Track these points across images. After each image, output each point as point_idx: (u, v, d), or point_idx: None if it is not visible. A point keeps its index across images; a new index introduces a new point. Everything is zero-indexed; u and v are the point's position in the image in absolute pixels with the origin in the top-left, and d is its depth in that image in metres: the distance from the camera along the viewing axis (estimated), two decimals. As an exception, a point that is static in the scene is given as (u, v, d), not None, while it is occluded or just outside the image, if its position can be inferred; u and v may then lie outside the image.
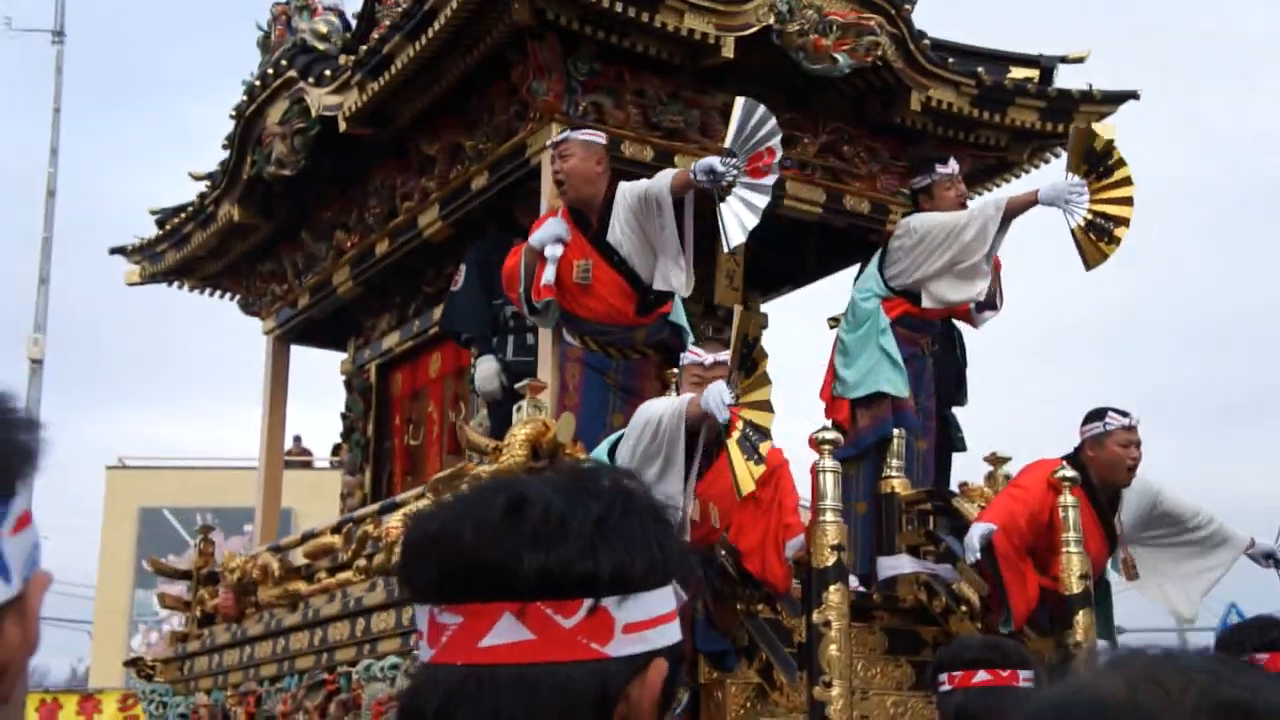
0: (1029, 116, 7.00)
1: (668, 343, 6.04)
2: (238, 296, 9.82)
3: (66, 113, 17.50)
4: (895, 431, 6.44)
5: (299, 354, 9.51)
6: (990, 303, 6.79)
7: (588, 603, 0.99)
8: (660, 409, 5.04)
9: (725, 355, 5.10)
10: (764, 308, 8.11)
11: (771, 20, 6.22)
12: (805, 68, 6.37)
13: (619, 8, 5.86)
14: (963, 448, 7.45)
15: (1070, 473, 5.57)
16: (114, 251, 9.88)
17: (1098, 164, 6.24)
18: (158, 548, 18.77)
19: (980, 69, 6.85)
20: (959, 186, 6.69)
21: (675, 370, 5.95)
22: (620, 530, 1.02)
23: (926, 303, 6.55)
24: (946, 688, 2.84)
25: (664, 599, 1.04)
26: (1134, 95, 7.25)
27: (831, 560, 4.92)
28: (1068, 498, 5.49)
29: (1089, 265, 6.36)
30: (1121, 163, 6.21)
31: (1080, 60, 7.32)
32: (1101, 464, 5.76)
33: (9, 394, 0.85)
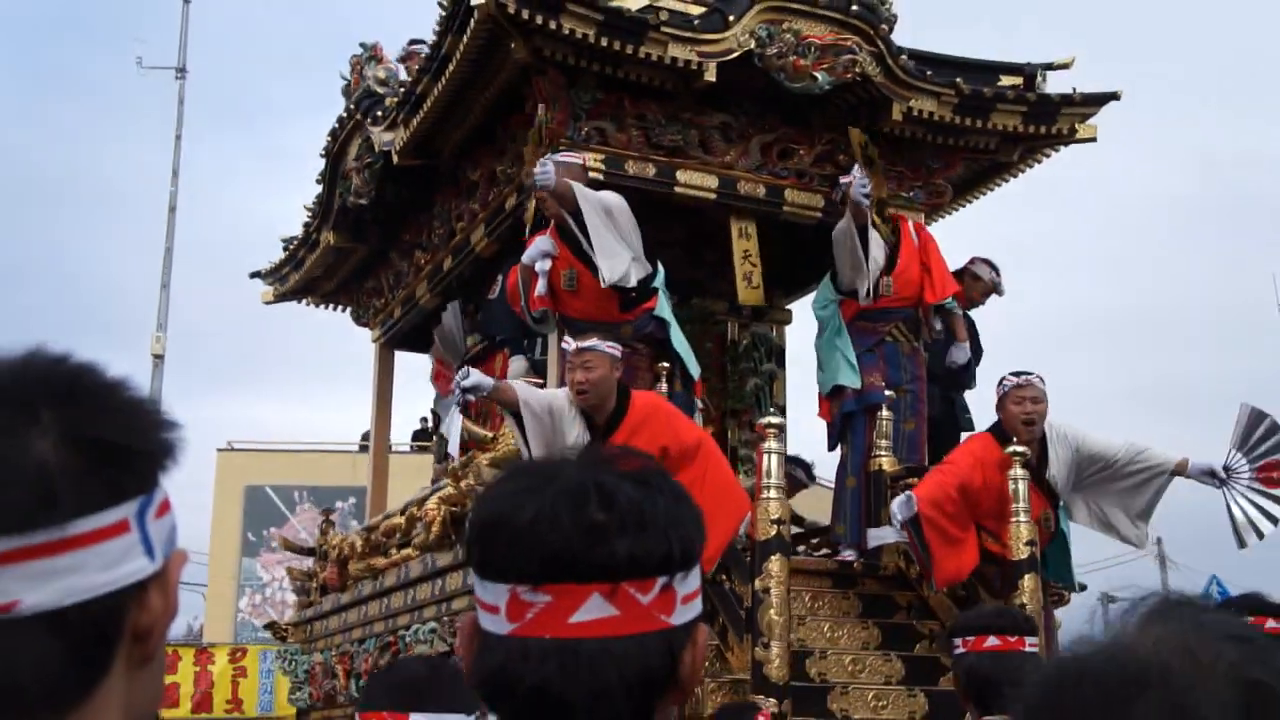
0: (1012, 120, 7.36)
1: (655, 335, 6.60)
2: (350, 310, 10.78)
3: (185, 138, 19.26)
4: (884, 415, 6.87)
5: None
6: None
7: (662, 580, 1.09)
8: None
9: (590, 342, 5.64)
10: (788, 307, 8.66)
11: (752, 45, 6.76)
12: (787, 86, 6.88)
13: (605, 42, 6.49)
14: (970, 428, 7.84)
15: (1021, 449, 5.93)
16: (252, 276, 10.98)
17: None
18: (260, 521, 21.00)
19: (959, 79, 7.24)
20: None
21: (666, 364, 6.56)
22: (677, 515, 1.13)
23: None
24: (960, 650, 2.99)
25: (699, 572, 1.16)
26: (1114, 96, 7.54)
27: (772, 533, 5.33)
28: (1017, 471, 5.83)
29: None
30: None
31: (1066, 66, 7.62)
32: (1007, 424, 6.13)
33: (154, 399, 0.93)
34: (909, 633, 6.38)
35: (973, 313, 7.93)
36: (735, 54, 6.75)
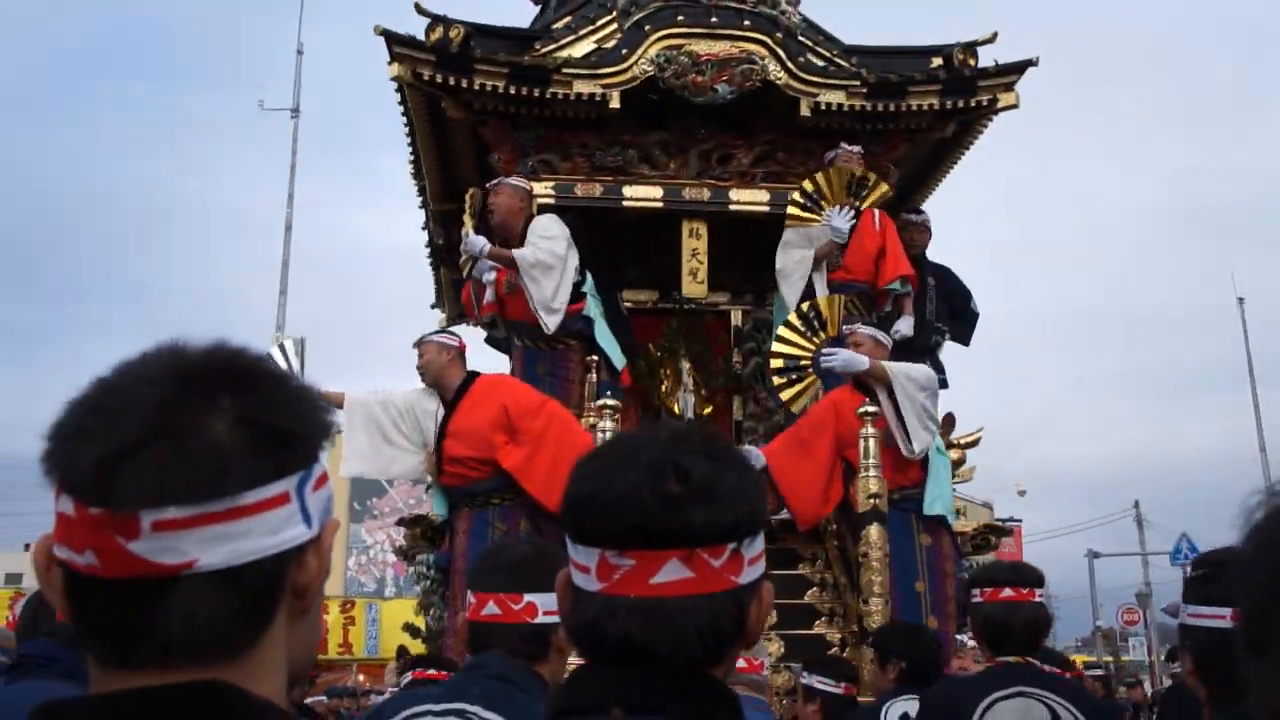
0: (929, 100, 7.51)
1: (584, 332, 7.31)
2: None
3: (297, 167, 21.89)
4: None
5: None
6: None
7: (731, 546, 1.20)
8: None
9: (423, 335, 6.65)
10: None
11: (653, 71, 7.35)
12: (692, 101, 7.42)
13: (514, 90, 7.30)
14: (944, 385, 8.07)
15: (872, 408, 6.24)
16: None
17: (858, 190, 7.38)
18: (364, 492, 24.76)
19: (864, 69, 7.52)
20: (854, 162, 7.46)
21: (594, 357, 7.26)
22: (744, 486, 1.23)
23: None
24: (978, 599, 3.27)
25: (763, 537, 1.26)
26: (1030, 63, 7.52)
27: (869, 506, 5.95)
28: (869, 429, 6.15)
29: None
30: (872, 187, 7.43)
31: (989, 41, 7.65)
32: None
33: (315, 386, 1.06)
34: (802, 582, 6.78)
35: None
36: (638, 81, 7.37)
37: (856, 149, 7.48)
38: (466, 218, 7.96)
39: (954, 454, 7.30)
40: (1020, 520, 39.17)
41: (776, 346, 6.93)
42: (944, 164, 8.37)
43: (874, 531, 5.97)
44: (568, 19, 8.00)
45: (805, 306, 6.89)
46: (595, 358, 7.26)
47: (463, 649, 6.08)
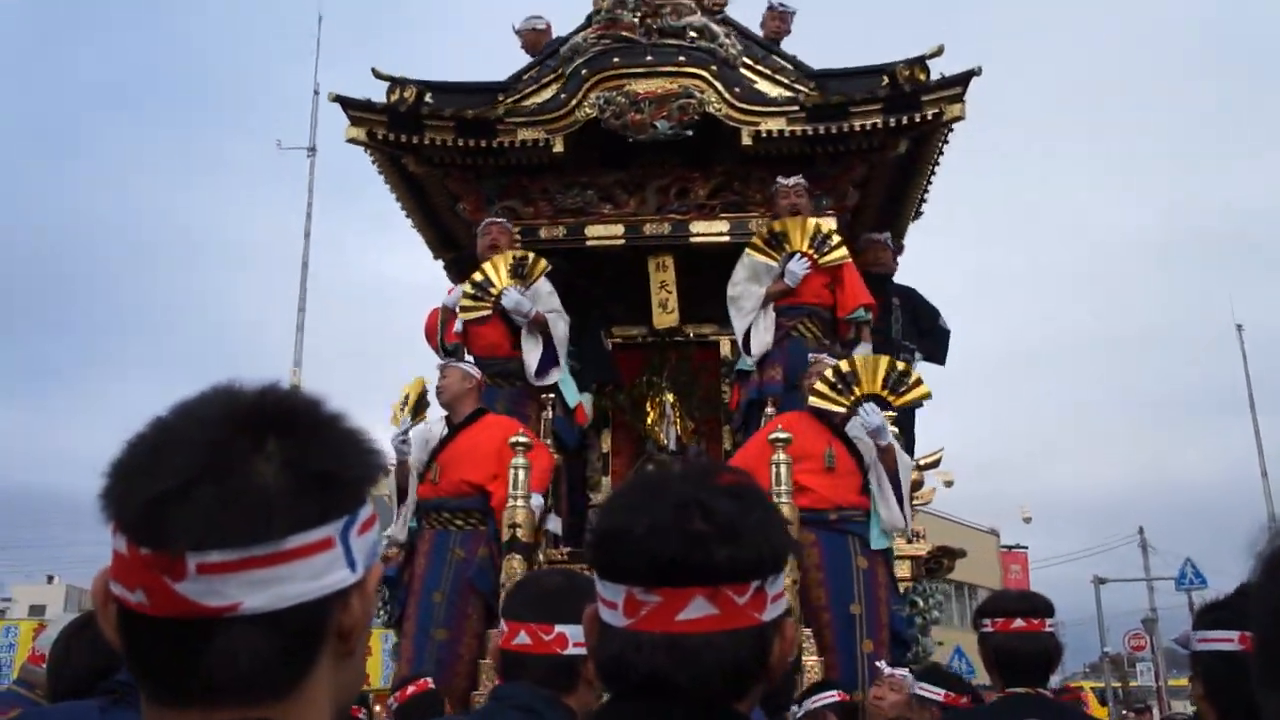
0: (874, 119, 7.32)
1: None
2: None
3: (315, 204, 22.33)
4: (768, 410, 7.14)
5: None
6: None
7: (755, 583, 1.23)
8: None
9: (449, 361, 6.92)
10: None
11: (594, 113, 7.43)
12: (632, 139, 7.46)
13: (461, 143, 7.50)
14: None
15: (783, 435, 6.17)
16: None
17: (821, 246, 7.19)
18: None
19: (801, 94, 7.42)
20: (794, 198, 7.33)
21: (550, 395, 7.35)
22: (767, 525, 1.26)
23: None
24: (989, 629, 3.21)
25: (784, 575, 1.29)
26: (973, 73, 7.25)
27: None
28: (780, 455, 6.09)
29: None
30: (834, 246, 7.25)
31: (935, 55, 7.42)
32: (804, 389, 6.62)
33: (365, 428, 1.05)
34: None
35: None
36: (579, 125, 7.47)
37: (792, 181, 7.36)
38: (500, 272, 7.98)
39: (914, 475, 7.10)
40: (1026, 546, 39.23)
41: (812, 400, 6.64)
42: (913, 181, 8.13)
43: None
44: (534, 70, 8.16)
45: (844, 366, 6.64)
46: (551, 395, 7.35)
47: (435, 672, 6.34)
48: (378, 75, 7.71)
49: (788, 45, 9.19)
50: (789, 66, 7.94)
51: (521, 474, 6.16)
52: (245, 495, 0.93)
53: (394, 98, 7.66)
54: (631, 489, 1.33)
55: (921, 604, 6.80)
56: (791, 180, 7.34)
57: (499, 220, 7.68)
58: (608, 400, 8.31)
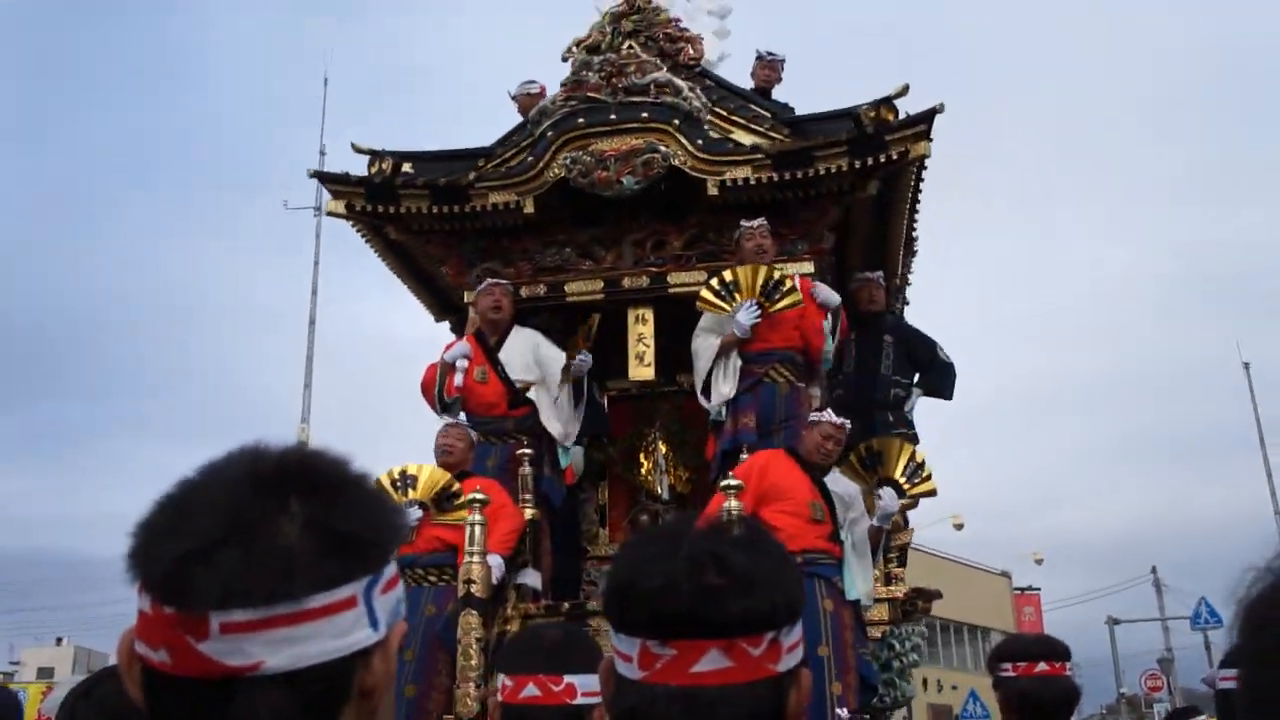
0: (839, 162, 7.23)
1: (534, 429, 7.42)
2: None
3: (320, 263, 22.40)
4: (743, 456, 7.07)
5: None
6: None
7: (770, 635, 1.21)
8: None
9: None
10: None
11: (562, 173, 7.47)
12: (602, 195, 7.48)
13: (435, 209, 7.60)
14: (915, 440, 7.87)
15: (734, 482, 6.12)
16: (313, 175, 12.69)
17: (771, 293, 7.08)
18: None
19: (769, 142, 7.37)
20: (760, 239, 7.24)
21: (528, 450, 7.34)
22: (781, 576, 1.25)
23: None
24: (1011, 674, 3.11)
25: (800, 625, 1.28)
26: (936, 111, 7.12)
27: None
28: (732, 503, 6.03)
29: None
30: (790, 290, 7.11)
31: (900, 95, 7.32)
32: (808, 446, 6.46)
33: (387, 492, 1.74)
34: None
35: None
36: (548, 185, 7.51)
37: (756, 223, 7.28)
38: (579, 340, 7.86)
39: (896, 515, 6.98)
40: (1039, 588, 38.32)
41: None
42: (893, 220, 7.98)
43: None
44: (518, 134, 8.22)
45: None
46: (530, 452, 7.33)
47: None
48: (356, 149, 7.86)
49: (781, 93, 9.22)
50: (766, 114, 7.89)
51: (478, 530, 6.16)
52: (268, 555, 0.94)
53: (374, 169, 7.80)
54: (645, 541, 1.32)
55: (898, 647, 6.63)
56: (756, 222, 7.26)
57: (500, 281, 7.70)
58: (600, 453, 8.29)
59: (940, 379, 8.31)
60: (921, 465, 7.07)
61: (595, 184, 7.44)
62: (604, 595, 1.30)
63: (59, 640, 39.74)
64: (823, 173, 7.30)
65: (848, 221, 7.95)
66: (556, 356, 7.57)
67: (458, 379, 7.52)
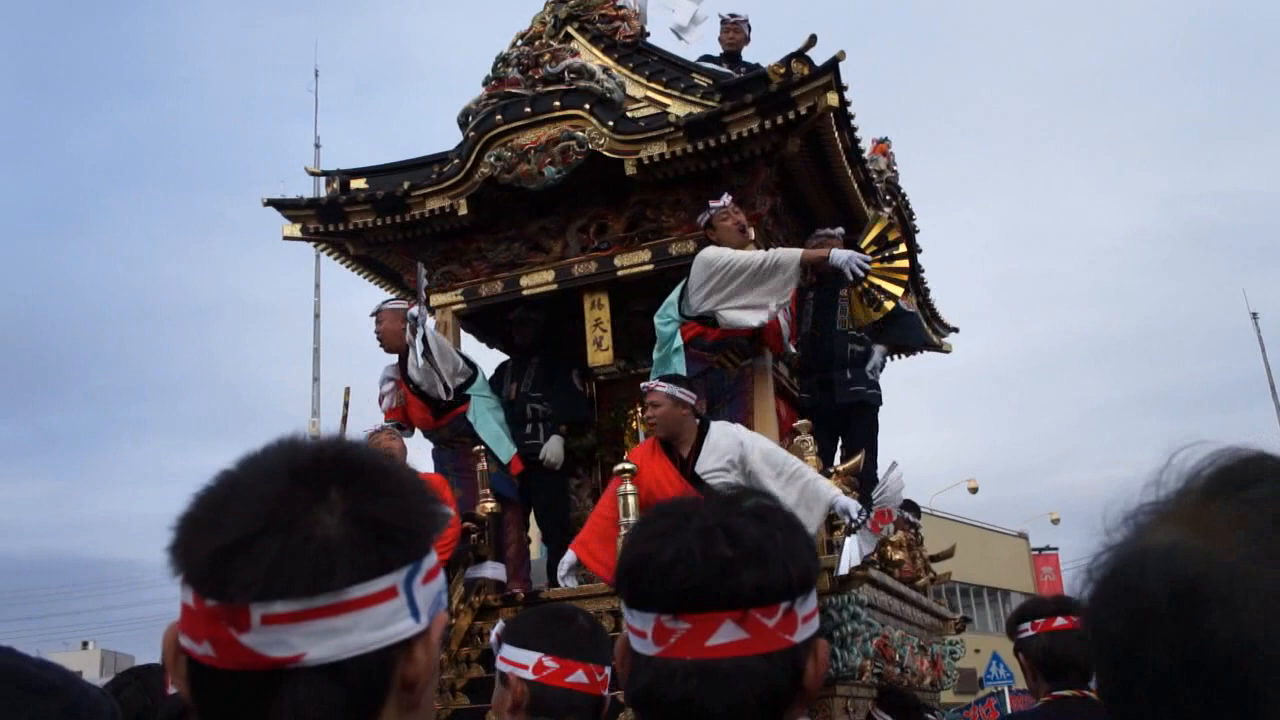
0: (750, 124, 6.90)
1: (470, 431, 7.43)
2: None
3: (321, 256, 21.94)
4: None
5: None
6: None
7: (784, 605, 1.18)
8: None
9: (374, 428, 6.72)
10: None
11: (490, 171, 7.42)
12: (529, 189, 7.39)
13: (372, 222, 7.69)
14: (879, 402, 7.61)
15: (628, 465, 6.03)
16: (268, 203, 12.56)
17: (886, 248, 6.85)
18: None
19: (674, 116, 7.10)
20: (735, 216, 6.98)
21: (481, 447, 7.35)
22: (794, 546, 1.22)
23: (722, 325, 6.93)
24: (1030, 633, 3.11)
25: (815, 594, 1.25)
26: (837, 59, 6.66)
27: None
28: (627, 486, 5.96)
29: (855, 321, 7.29)
30: (903, 255, 6.88)
31: (808, 48, 6.88)
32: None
33: (426, 481, 1.05)
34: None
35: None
36: (478, 185, 7.47)
37: (723, 202, 6.99)
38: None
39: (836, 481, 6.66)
40: (1057, 548, 37.14)
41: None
42: (837, 174, 7.53)
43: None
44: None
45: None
46: (480, 448, 7.36)
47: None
48: (310, 172, 8.04)
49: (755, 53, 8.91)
50: (704, 84, 7.61)
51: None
52: (308, 546, 0.93)
53: (330, 189, 7.96)
54: (656, 517, 1.29)
55: (836, 616, 6.31)
56: (722, 200, 6.98)
57: (385, 307, 7.54)
58: (582, 439, 8.23)
59: (906, 330, 7.86)
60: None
61: (519, 178, 7.36)
62: (616, 572, 1.27)
63: (85, 644, 40.38)
64: (735, 138, 6.99)
65: (790, 180, 7.61)
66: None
67: (385, 402, 7.59)
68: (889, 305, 6.95)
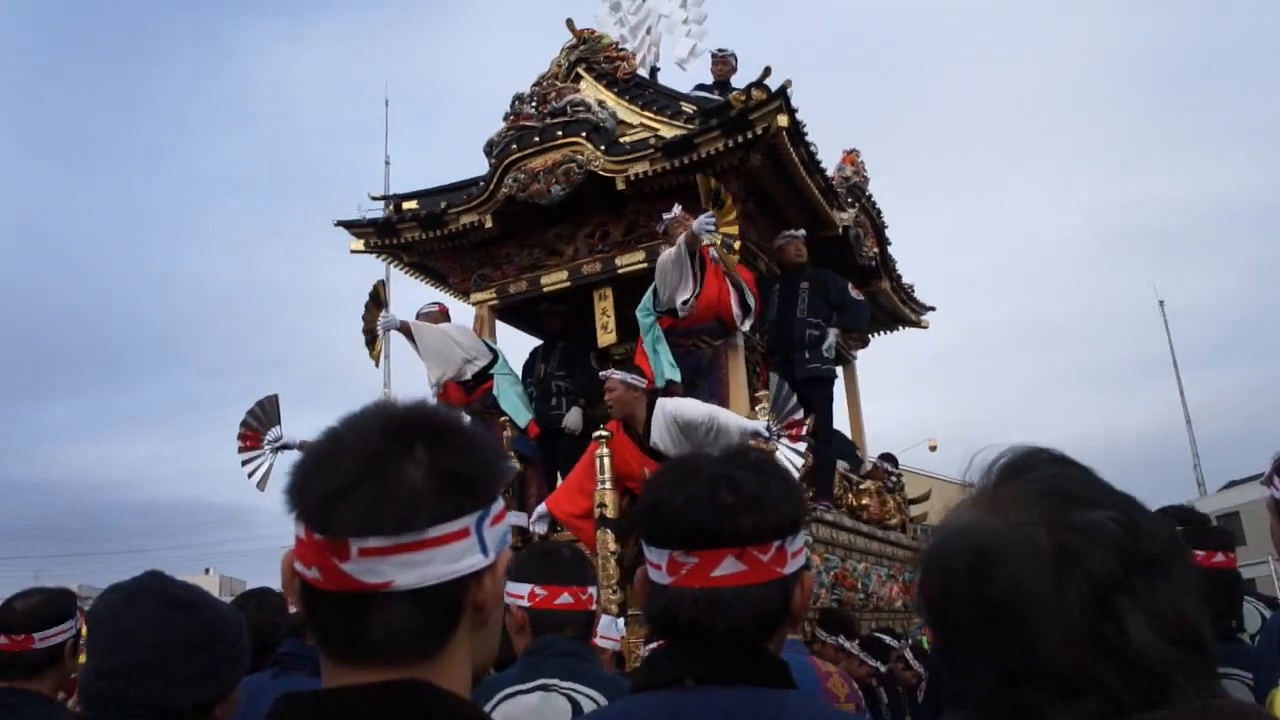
0: (716, 143, 8.25)
1: (496, 404, 8.93)
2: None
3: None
4: None
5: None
6: (746, 310, 8.33)
7: (776, 543, 1.39)
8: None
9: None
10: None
11: (509, 191, 8.93)
12: (541, 204, 8.88)
13: (419, 236, 9.27)
14: (833, 376, 8.89)
15: (604, 433, 7.43)
16: (339, 224, 14.05)
17: (719, 203, 7.98)
18: None
19: (652, 138, 8.52)
20: (684, 224, 8.17)
21: (505, 417, 8.85)
22: (785, 494, 1.44)
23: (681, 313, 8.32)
24: None
25: (802, 534, 1.46)
26: (785, 86, 7.93)
27: None
28: (603, 449, 7.35)
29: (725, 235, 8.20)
30: (729, 202, 7.99)
31: (764, 78, 8.15)
32: None
33: (494, 440, 1.25)
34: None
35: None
36: (500, 203, 8.99)
37: (674, 213, 8.24)
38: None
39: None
40: None
41: None
42: (798, 182, 8.83)
43: (601, 535, 7.14)
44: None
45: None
46: (505, 418, 8.87)
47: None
48: (373, 197, 9.66)
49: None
50: (690, 110, 9.02)
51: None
52: (397, 492, 1.07)
53: (388, 210, 9.58)
54: (670, 469, 1.49)
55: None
56: (674, 212, 8.25)
57: (429, 308, 9.09)
58: (597, 410, 9.66)
59: (854, 315, 9.13)
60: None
61: (532, 196, 8.84)
62: (636, 514, 1.49)
63: (207, 570, 44.17)
64: (705, 155, 8.36)
65: (759, 189, 8.95)
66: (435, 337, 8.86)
67: (434, 388, 9.05)
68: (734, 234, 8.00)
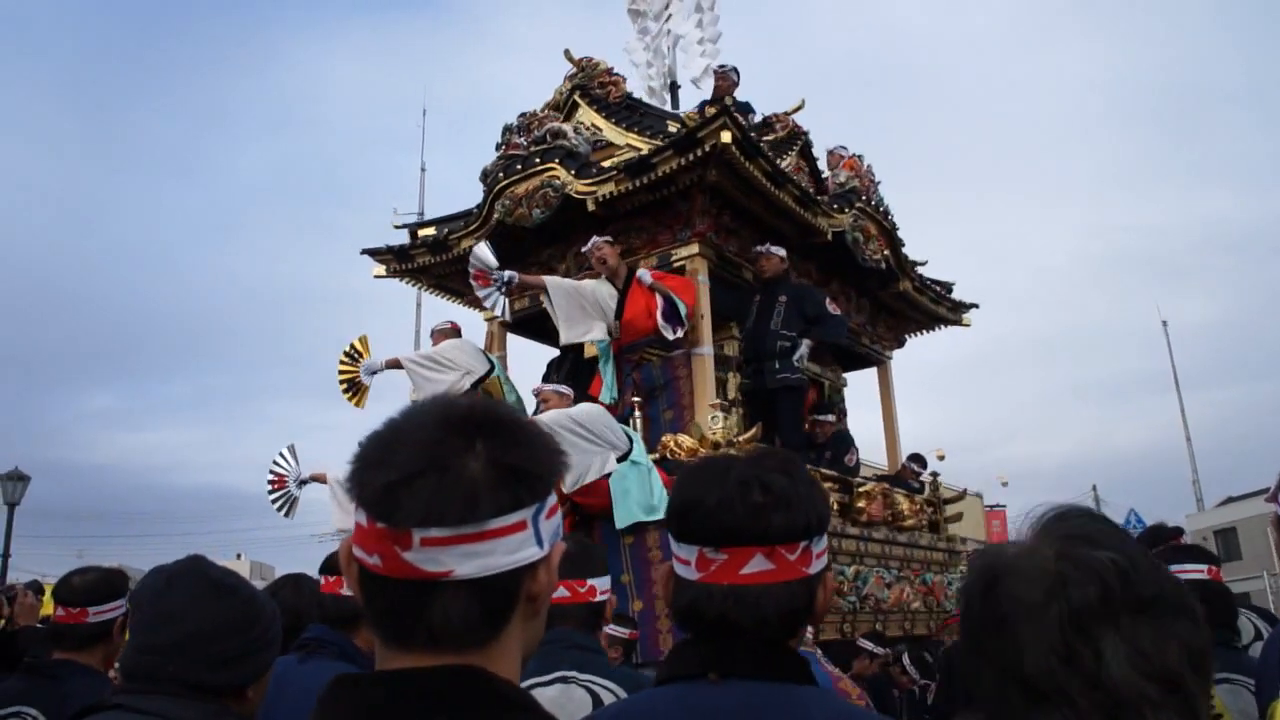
0: (671, 162, 8.41)
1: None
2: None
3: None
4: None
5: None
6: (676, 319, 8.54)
7: (803, 544, 1.43)
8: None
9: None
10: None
11: (499, 216, 9.38)
12: (526, 227, 9.30)
13: (431, 260, 9.87)
14: (800, 385, 9.08)
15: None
16: (364, 252, 14.39)
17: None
18: None
19: (615, 163, 8.81)
20: (596, 253, 8.73)
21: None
22: (813, 496, 1.47)
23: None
24: None
25: (826, 535, 1.49)
26: (727, 108, 8.04)
27: None
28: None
29: None
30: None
31: (718, 96, 8.40)
32: None
33: (550, 436, 1.18)
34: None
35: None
36: (492, 228, 9.46)
37: (599, 240, 8.71)
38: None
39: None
40: (1005, 505, 41.77)
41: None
42: (762, 196, 8.91)
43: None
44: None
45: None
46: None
47: None
48: (396, 226, 10.33)
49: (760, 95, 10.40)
50: (674, 130, 9.28)
51: None
52: (458, 485, 1.10)
53: (414, 236, 10.25)
54: (701, 468, 1.54)
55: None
56: (590, 243, 8.72)
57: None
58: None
59: (830, 329, 9.15)
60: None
61: (518, 220, 9.27)
62: (668, 511, 1.52)
63: (238, 556, 44.30)
64: (663, 174, 8.58)
65: (731, 202, 9.09)
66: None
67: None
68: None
